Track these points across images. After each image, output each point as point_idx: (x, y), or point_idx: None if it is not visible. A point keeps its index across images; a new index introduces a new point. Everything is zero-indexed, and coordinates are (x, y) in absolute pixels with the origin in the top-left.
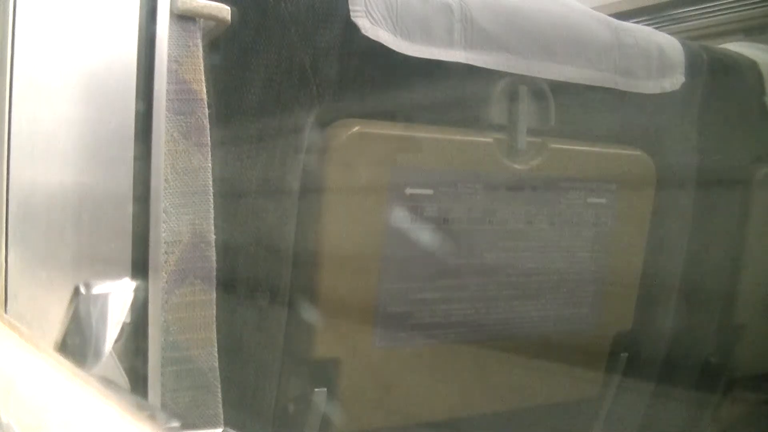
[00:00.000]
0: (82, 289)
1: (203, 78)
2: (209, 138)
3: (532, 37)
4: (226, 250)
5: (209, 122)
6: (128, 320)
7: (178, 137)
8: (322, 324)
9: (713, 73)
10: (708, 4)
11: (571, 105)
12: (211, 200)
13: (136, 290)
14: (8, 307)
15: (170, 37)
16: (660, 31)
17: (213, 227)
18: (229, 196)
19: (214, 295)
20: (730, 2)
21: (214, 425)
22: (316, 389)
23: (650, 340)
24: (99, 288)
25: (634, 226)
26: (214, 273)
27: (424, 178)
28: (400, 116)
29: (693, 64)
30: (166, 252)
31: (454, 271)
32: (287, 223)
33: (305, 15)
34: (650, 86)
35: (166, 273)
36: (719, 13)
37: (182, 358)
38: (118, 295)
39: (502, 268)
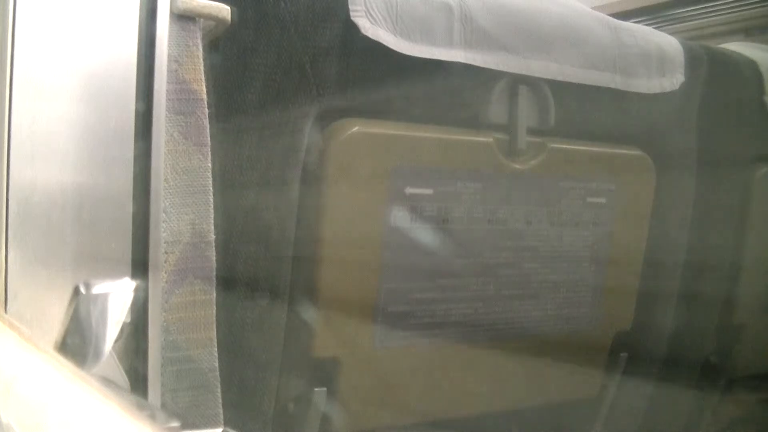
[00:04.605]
0: (82, 289)
1: (203, 78)
2: (209, 138)
3: (532, 37)
4: (226, 250)
5: (209, 122)
6: (128, 320)
7: (178, 137)
8: (322, 323)
9: (713, 73)
10: (708, 4)
11: (571, 105)
12: (211, 200)
13: (136, 290)
14: (8, 307)
15: (170, 37)
16: (660, 31)
17: (213, 227)
18: (230, 196)
19: (214, 294)
20: (730, 2)
21: (214, 425)
22: (316, 389)
23: (650, 340)
24: (99, 288)
25: (634, 225)
26: (214, 273)
27: (424, 178)
28: (400, 116)
29: (693, 64)
30: (166, 252)
31: (454, 270)
32: (287, 222)
33: (305, 15)
34: (650, 86)
35: (166, 273)
36: (719, 13)
37: (182, 358)
38: (118, 295)
39: (502, 268)
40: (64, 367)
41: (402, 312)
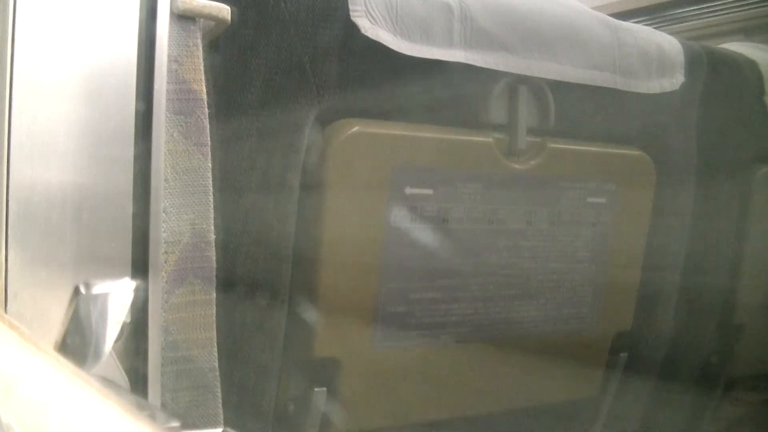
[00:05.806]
0: (82, 289)
1: (203, 78)
2: (209, 138)
3: (532, 37)
4: (226, 250)
5: (209, 122)
6: (128, 320)
7: (178, 137)
8: (322, 324)
9: (713, 73)
10: (708, 4)
11: (571, 105)
12: (211, 200)
13: (136, 290)
14: (8, 307)
15: (170, 37)
16: (660, 31)
17: (213, 227)
18: (230, 196)
19: (214, 295)
20: (730, 2)
21: (214, 425)
22: (316, 389)
23: (650, 340)
24: (99, 288)
25: (634, 226)
26: (214, 273)
27: (424, 178)
28: (400, 116)
29: (693, 64)
30: (166, 252)
31: (453, 271)
32: (287, 222)
33: (305, 15)
34: (650, 86)
35: (166, 273)
36: (719, 13)
37: (182, 358)
38: (118, 295)
39: (502, 268)
40: (64, 367)
41: (402, 312)
